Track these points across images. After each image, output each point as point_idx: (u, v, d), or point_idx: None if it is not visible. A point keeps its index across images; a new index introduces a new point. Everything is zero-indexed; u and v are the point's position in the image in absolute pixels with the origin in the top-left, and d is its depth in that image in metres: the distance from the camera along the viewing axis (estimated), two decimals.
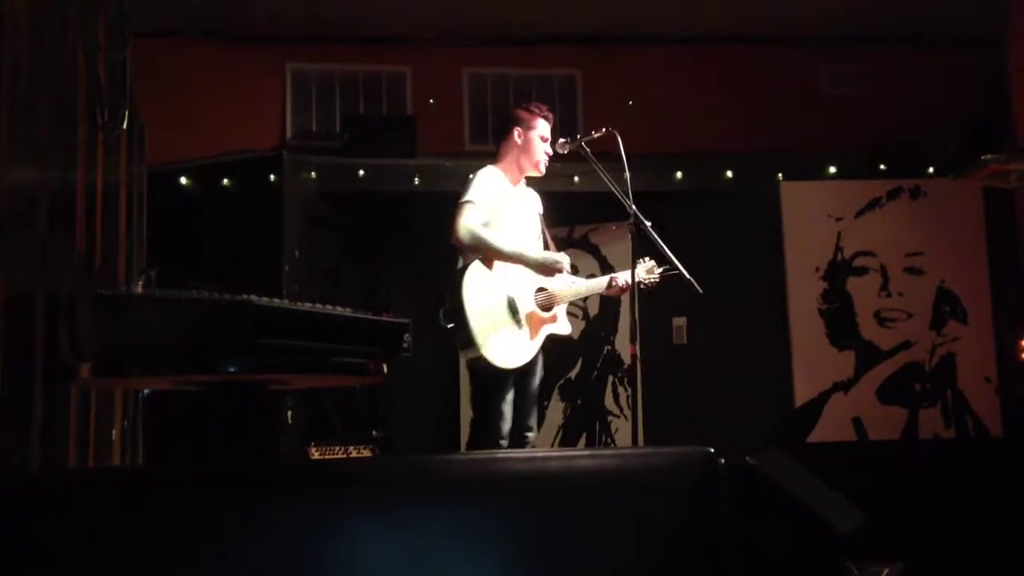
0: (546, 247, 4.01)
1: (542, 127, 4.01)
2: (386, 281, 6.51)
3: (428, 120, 6.18)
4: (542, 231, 4.04)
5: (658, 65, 6.51)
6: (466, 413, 6.41)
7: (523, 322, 3.79)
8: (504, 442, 3.71)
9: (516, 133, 3.98)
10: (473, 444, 3.80)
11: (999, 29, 5.12)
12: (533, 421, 3.91)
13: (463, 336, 3.60)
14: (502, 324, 3.72)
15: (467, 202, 3.77)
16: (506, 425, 3.73)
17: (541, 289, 3.90)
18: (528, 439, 3.87)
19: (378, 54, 6.39)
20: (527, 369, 3.83)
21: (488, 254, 3.75)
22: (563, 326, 3.99)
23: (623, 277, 3.93)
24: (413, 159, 5.87)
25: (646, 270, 3.93)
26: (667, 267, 3.83)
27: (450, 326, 3.63)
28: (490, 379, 3.71)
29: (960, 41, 6.24)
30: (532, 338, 3.83)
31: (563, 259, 3.87)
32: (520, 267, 3.83)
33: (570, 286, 3.99)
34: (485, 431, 3.71)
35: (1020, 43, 4.97)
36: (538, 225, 4.04)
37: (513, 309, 3.77)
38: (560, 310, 3.96)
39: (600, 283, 4.00)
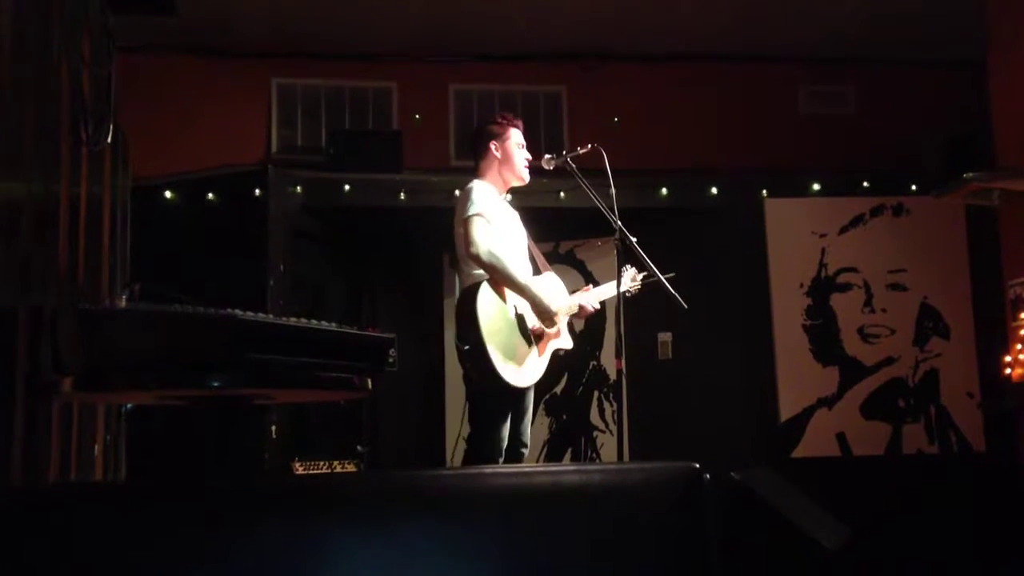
0: (535, 264, 3.99)
1: (516, 135, 3.98)
2: (371, 296, 6.50)
3: (414, 135, 6.19)
4: (529, 248, 4.02)
5: (643, 82, 6.55)
6: (452, 428, 6.40)
7: (533, 339, 3.74)
8: (502, 459, 3.65)
9: (493, 147, 3.93)
10: (471, 461, 3.74)
11: (979, 48, 5.17)
12: (528, 436, 3.85)
13: (480, 359, 3.51)
14: (516, 343, 3.66)
15: (476, 216, 3.66)
16: (505, 442, 3.68)
17: None
18: (523, 454, 3.82)
19: (364, 69, 6.40)
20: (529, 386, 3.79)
21: (499, 277, 3.67)
22: (566, 340, 3.96)
23: (591, 303, 3.93)
24: (399, 174, 5.87)
25: (630, 277, 3.95)
26: (647, 274, 3.83)
27: (466, 348, 3.54)
28: (494, 397, 3.64)
29: (939, 60, 6.30)
30: (541, 355, 3.80)
31: (560, 314, 3.82)
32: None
33: (566, 300, 3.97)
34: (484, 449, 3.64)
35: (1000, 62, 5.02)
36: (525, 239, 4.01)
37: (523, 327, 3.72)
38: (563, 324, 3.94)
39: (572, 306, 3.97)
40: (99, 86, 3.48)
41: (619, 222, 3.70)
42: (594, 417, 6.26)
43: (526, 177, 3.97)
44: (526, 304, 3.74)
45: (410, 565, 1.82)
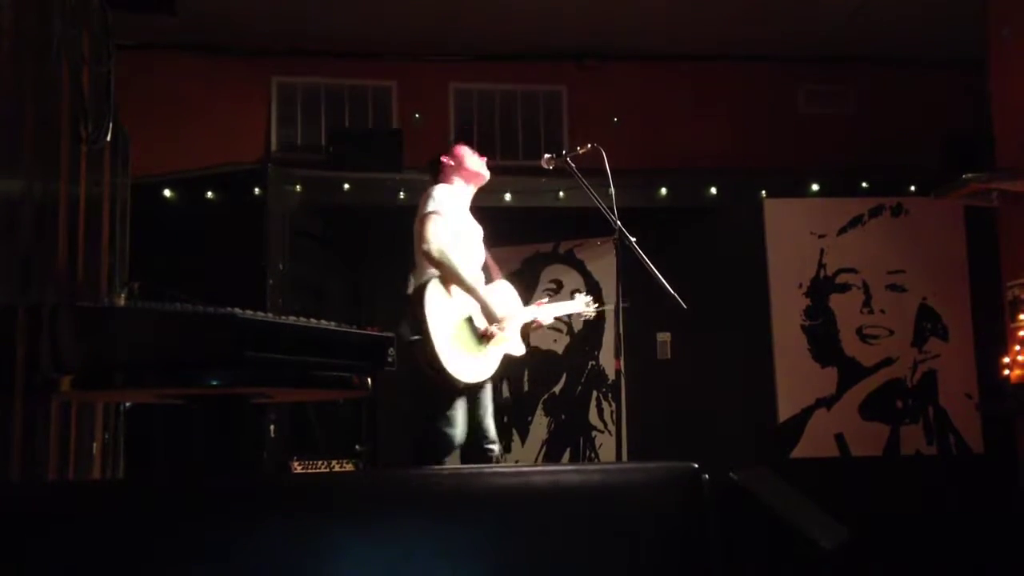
0: (488, 273, 4.05)
1: (464, 148, 4.14)
2: (370, 295, 6.50)
3: (414, 134, 6.19)
4: (485, 258, 4.08)
5: (643, 82, 6.55)
6: None
7: (480, 339, 3.83)
8: (456, 451, 3.75)
9: (445, 160, 4.08)
10: (424, 455, 3.79)
11: (978, 49, 5.17)
12: (495, 433, 3.93)
13: (427, 352, 3.62)
14: (463, 341, 3.77)
15: (433, 213, 3.80)
16: (457, 435, 3.76)
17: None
18: (492, 452, 3.89)
19: (364, 68, 6.40)
20: (482, 383, 3.89)
21: (448, 275, 3.77)
22: (518, 346, 4.03)
23: (544, 318, 4.11)
24: (399, 173, 5.87)
25: (584, 303, 4.28)
26: (599, 304, 4.19)
27: (415, 338, 3.64)
28: (443, 392, 3.73)
29: (939, 60, 6.31)
30: (488, 356, 3.88)
31: (505, 322, 3.88)
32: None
33: (522, 309, 4.08)
34: (436, 442, 3.73)
35: (999, 63, 5.03)
36: (483, 251, 4.08)
37: (472, 326, 3.82)
38: (514, 331, 4.00)
39: (526, 315, 4.08)
40: (99, 84, 3.48)
41: (618, 222, 3.71)
42: (593, 417, 6.26)
43: (484, 172, 4.12)
44: (476, 305, 3.84)
45: (408, 564, 1.82)
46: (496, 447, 3.92)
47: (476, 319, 3.84)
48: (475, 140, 6.43)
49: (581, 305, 4.31)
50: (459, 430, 3.77)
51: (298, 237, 5.73)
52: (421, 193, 3.98)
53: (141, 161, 5.04)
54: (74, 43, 3.20)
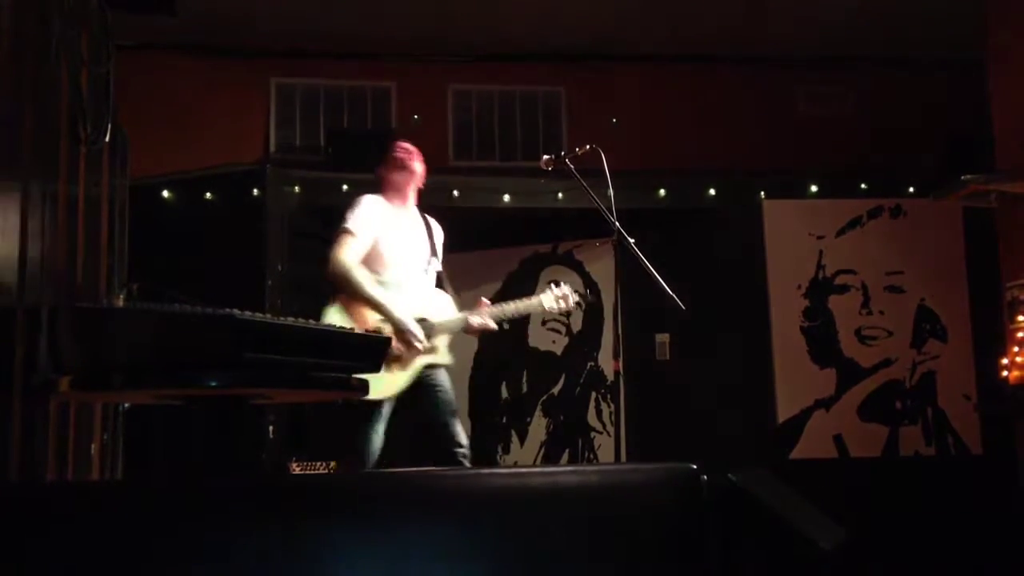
0: (439, 278, 4.03)
1: (401, 147, 4.12)
2: None
3: (412, 135, 6.17)
4: (430, 261, 4.04)
5: (641, 83, 6.55)
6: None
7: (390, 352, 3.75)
8: (370, 460, 3.74)
9: (378, 172, 4.08)
10: (349, 463, 3.85)
11: (977, 49, 5.17)
12: (462, 437, 3.89)
13: None
14: None
15: (347, 231, 3.80)
16: (374, 453, 3.75)
17: (421, 320, 3.89)
18: (459, 454, 3.85)
19: (363, 69, 6.40)
20: (412, 396, 3.83)
21: (351, 293, 3.77)
22: (444, 356, 3.97)
23: (478, 319, 3.96)
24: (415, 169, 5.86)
25: (556, 297, 4.06)
26: (580, 294, 4.02)
27: None
28: (359, 407, 3.70)
29: (938, 61, 6.31)
30: (403, 369, 3.82)
31: (420, 336, 3.82)
32: (399, 298, 3.85)
33: (450, 317, 4.00)
34: (356, 453, 3.73)
35: (999, 64, 5.02)
36: (427, 254, 4.04)
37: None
38: (440, 340, 3.95)
39: (459, 321, 3.99)
40: (98, 85, 3.48)
41: (617, 223, 3.71)
42: (591, 418, 6.26)
43: (413, 167, 4.07)
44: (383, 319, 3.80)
45: (407, 565, 1.82)
46: (464, 450, 3.86)
47: (386, 331, 3.77)
48: (474, 141, 6.45)
49: (550, 300, 4.05)
50: (375, 446, 3.75)
51: (299, 238, 5.73)
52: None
53: (140, 162, 5.04)
54: (73, 44, 3.20)
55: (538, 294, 4.12)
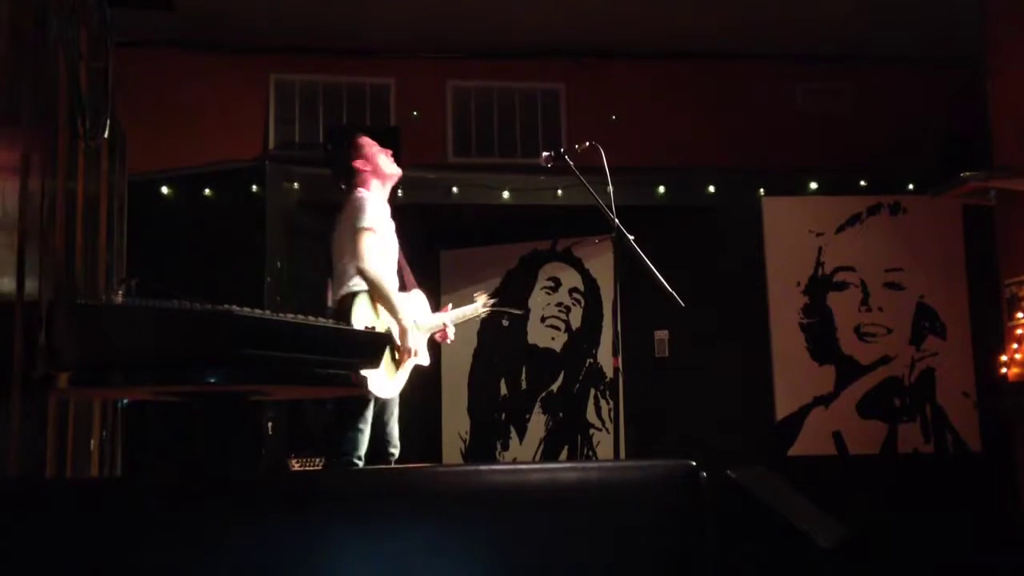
0: (402, 279, 4.07)
1: (368, 142, 4.09)
2: None
3: (412, 132, 6.18)
4: (400, 262, 4.09)
5: (640, 80, 6.55)
6: (449, 425, 6.41)
7: (396, 360, 3.85)
8: (359, 462, 3.78)
9: (359, 164, 4.03)
10: (331, 454, 3.86)
11: (976, 47, 5.17)
12: (397, 439, 3.98)
13: None
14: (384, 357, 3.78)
15: (368, 229, 3.81)
16: (364, 446, 3.79)
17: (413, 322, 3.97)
18: (393, 455, 3.95)
19: (362, 66, 6.39)
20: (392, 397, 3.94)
21: (379, 295, 3.79)
22: (424, 358, 4.05)
23: (447, 323, 4.15)
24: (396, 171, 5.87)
25: (482, 303, 4.30)
26: (494, 300, 4.28)
27: None
28: (355, 403, 3.75)
29: (937, 59, 6.31)
30: (402, 370, 3.90)
31: (418, 339, 3.94)
32: (406, 301, 3.94)
33: (432, 320, 4.12)
34: (344, 445, 3.76)
35: (998, 62, 5.02)
36: (398, 255, 4.09)
37: (392, 342, 3.83)
38: (422, 341, 4.03)
39: (437, 324, 4.14)
40: (96, 80, 3.47)
41: (617, 220, 3.71)
42: (591, 415, 6.26)
43: (397, 170, 4.11)
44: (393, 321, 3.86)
45: (406, 562, 1.82)
46: (396, 450, 3.97)
47: (396, 335, 3.85)
48: (473, 138, 6.45)
49: (479, 307, 4.34)
50: (367, 436, 3.80)
51: (298, 235, 5.73)
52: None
53: (139, 158, 5.04)
54: (72, 39, 3.19)
55: (474, 303, 4.37)
